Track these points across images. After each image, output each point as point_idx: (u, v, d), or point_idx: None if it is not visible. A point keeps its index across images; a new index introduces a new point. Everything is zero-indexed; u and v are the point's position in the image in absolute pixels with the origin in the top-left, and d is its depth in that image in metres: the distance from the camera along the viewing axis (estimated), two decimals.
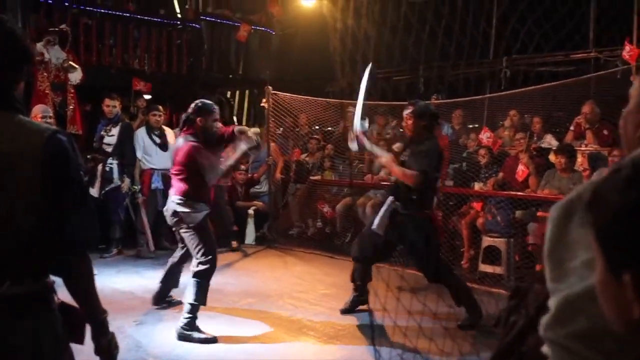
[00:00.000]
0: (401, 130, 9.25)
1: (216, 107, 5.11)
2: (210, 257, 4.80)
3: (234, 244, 8.35)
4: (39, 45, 8.19)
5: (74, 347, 1.95)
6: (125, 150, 7.63)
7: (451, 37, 2.91)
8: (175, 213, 4.86)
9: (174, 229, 5.12)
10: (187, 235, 4.89)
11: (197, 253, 4.80)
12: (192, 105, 5.03)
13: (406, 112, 5.10)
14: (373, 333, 1.75)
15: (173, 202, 4.88)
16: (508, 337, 1.36)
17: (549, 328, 1.02)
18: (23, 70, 1.82)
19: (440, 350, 2.80)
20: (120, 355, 4.36)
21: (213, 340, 4.70)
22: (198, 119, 4.90)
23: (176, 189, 4.89)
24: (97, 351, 1.96)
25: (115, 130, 7.63)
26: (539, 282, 1.20)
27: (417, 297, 3.23)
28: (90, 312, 1.94)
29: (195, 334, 4.71)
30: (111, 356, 1.98)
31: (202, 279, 4.79)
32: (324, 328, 5.15)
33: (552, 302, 1.03)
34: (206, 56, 11.61)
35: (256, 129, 5.74)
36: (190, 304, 4.74)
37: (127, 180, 7.60)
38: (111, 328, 4.41)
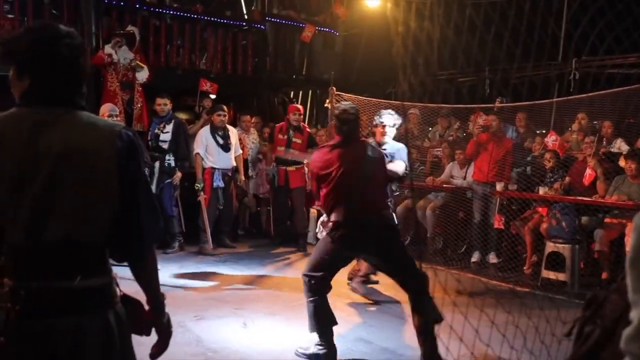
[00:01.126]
0: (465, 133, 9.14)
1: None
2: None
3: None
4: (108, 47, 8.48)
5: (139, 340, 2.04)
6: (179, 146, 7.82)
7: (518, 38, 2.86)
8: None
9: None
10: None
11: None
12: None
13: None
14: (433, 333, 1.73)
15: None
16: (582, 348, 1.32)
17: (632, 341, 0.98)
18: (86, 72, 1.96)
19: (497, 356, 2.75)
20: (180, 348, 4.51)
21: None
22: None
23: None
24: (157, 329, 2.08)
25: (169, 127, 7.82)
26: (617, 293, 1.16)
27: (474, 302, 3.19)
28: (153, 296, 2.06)
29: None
30: (168, 333, 2.10)
31: None
32: (380, 329, 5.14)
33: (634, 315, 0.99)
34: (271, 57, 11.73)
35: None
36: None
37: (178, 174, 7.79)
38: (172, 322, 4.52)
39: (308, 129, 9.02)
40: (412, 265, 4.19)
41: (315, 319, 4.30)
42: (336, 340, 4.76)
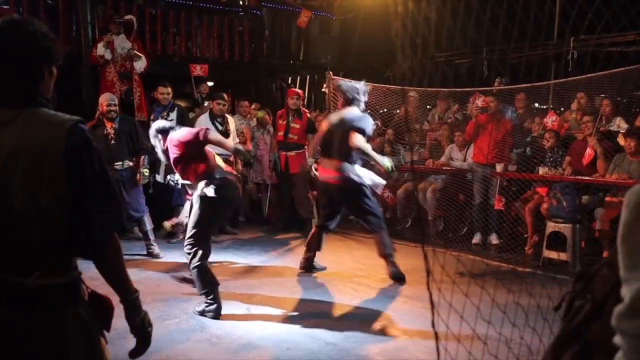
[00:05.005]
0: (464, 114, 9.12)
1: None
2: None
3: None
4: (100, 47, 8.41)
5: (121, 334, 2.02)
6: None
7: (514, 18, 2.84)
8: None
9: None
10: None
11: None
12: None
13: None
14: (433, 319, 1.75)
15: None
16: (572, 322, 1.33)
17: (623, 318, 0.98)
18: (43, 69, 1.89)
19: (499, 334, 2.77)
20: (185, 335, 4.54)
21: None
22: None
23: None
24: (131, 329, 2.03)
25: (173, 115, 7.82)
26: (608, 267, 1.16)
27: (474, 282, 3.21)
28: (121, 293, 2.01)
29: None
30: (145, 333, 2.05)
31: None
32: (384, 312, 5.18)
33: (626, 291, 0.99)
34: (267, 42, 11.70)
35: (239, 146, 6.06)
36: None
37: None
38: (176, 310, 4.52)
39: (308, 114, 9.00)
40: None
41: (203, 282, 4.95)
42: (340, 323, 4.81)
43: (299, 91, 9.27)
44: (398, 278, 6.01)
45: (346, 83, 6.33)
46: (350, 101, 6.06)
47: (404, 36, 2.01)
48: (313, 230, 6.56)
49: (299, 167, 8.55)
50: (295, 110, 8.59)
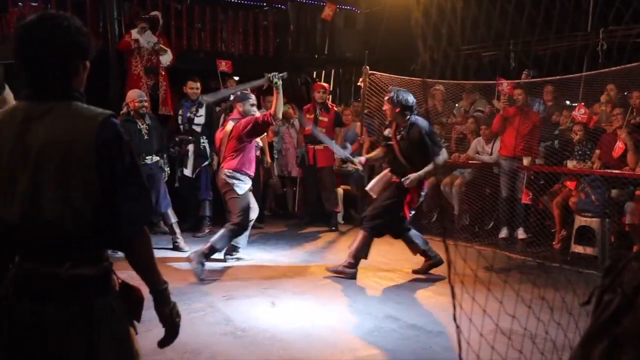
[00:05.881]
0: (491, 107, 9.00)
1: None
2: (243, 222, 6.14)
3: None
4: (134, 32, 8.52)
5: (147, 325, 2.04)
6: (212, 129, 7.88)
7: (539, 8, 2.80)
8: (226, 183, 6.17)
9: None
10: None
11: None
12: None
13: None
14: (455, 312, 1.73)
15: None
16: (601, 317, 1.30)
17: None
18: (77, 64, 1.90)
19: (523, 328, 2.74)
20: (210, 328, 4.58)
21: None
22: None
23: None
24: (160, 319, 2.05)
25: (202, 111, 7.89)
26: (636, 260, 1.13)
27: (498, 276, 3.17)
28: (151, 284, 2.03)
29: (200, 267, 5.83)
30: (173, 324, 2.07)
31: (232, 233, 6.08)
32: (408, 307, 5.16)
33: None
34: (292, 37, 11.68)
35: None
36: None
37: (216, 158, 7.85)
38: (202, 303, 4.57)
39: (335, 108, 8.96)
40: None
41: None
42: (364, 317, 4.80)
43: (325, 85, 9.23)
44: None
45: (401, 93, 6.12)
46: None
47: (425, 26, 1.99)
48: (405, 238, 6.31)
49: (326, 160, 8.52)
50: (322, 104, 8.57)
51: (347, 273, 5.96)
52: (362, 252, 6.02)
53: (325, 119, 8.50)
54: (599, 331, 1.29)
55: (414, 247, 6.18)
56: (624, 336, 1.22)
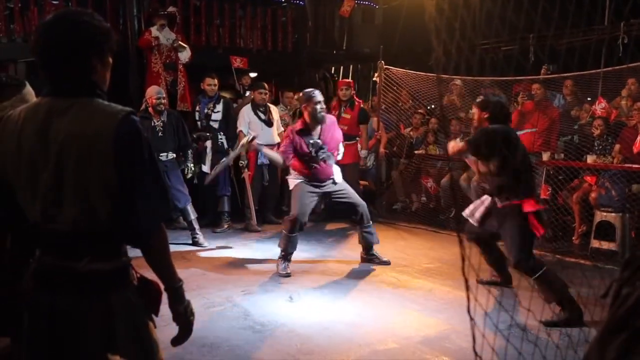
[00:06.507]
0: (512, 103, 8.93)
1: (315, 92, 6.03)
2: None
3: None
4: (154, 29, 8.60)
5: (165, 320, 2.07)
6: (229, 125, 7.93)
7: (557, 2, 2.78)
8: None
9: None
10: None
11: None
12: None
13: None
14: (469, 305, 1.74)
15: None
16: (620, 310, 1.30)
17: None
18: (93, 61, 1.91)
19: (539, 322, 2.73)
20: (229, 322, 4.62)
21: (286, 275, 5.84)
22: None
23: None
24: (174, 317, 2.06)
25: (219, 107, 7.93)
26: None
27: (514, 271, 3.16)
28: (166, 281, 2.04)
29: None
30: (187, 322, 2.08)
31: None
32: (426, 302, 5.16)
33: None
34: (310, 33, 11.69)
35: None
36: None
37: (232, 153, 7.88)
38: (221, 298, 4.62)
39: (361, 104, 8.80)
40: None
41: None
42: (381, 312, 4.80)
43: (349, 81, 9.18)
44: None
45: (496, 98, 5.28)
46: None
47: (439, 20, 1.99)
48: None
49: (351, 157, 8.46)
50: (347, 101, 8.51)
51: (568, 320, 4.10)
52: (555, 294, 4.30)
53: (348, 116, 8.40)
54: (617, 325, 1.28)
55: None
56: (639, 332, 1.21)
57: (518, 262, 4.55)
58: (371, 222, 6.33)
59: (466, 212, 5.18)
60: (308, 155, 5.99)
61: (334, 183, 6.17)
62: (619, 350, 1.25)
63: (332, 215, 8.74)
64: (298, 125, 6.13)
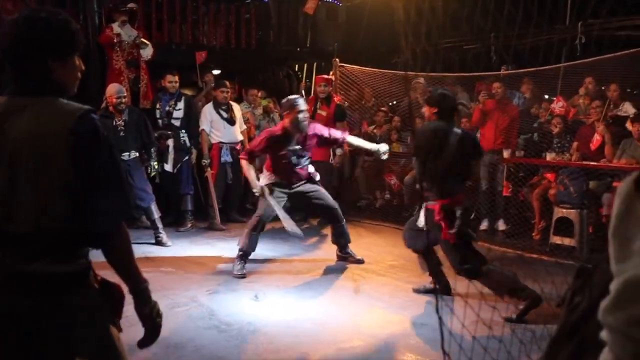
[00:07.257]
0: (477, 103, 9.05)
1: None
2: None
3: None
4: (115, 26, 8.44)
5: (131, 322, 2.05)
6: (191, 123, 7.85)
7: (518, 3, 2.84)
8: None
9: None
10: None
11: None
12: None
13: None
14: (437, 303, 1.76)
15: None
16: (569, 319, 1.31)
17: (608, 312, 0.94)
18: (47, 62, 1.88)
19: (503, 319, 2.78)
20: (194, 322, 4.58)
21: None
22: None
23: None
24: (141, 319, 2.02)
25: (180, 105, 7.83)
26: (607, 262, 1.13)
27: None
28: (131, 282, 2.00)
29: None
30: (154, 324, 2.04)
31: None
32: (391, 299, 5.20)
33: (613, 285, 0.96)
34: (274, 30, 11.66)
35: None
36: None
37: (195, 152, 7.83)
38: (185, 297, 4.58)
39: (338, 101, 8.68)
40: None
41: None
42: (347, 310, 4.82)
43: (329, 77, 8.89)
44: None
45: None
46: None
47: (406, 22, 2.01)
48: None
49: (321, 156, 8.35)
50: (324, 98, 8.41)
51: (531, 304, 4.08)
52: (504, 287, 4.24)
53: (324, 113, 8.29)
54: (567, 333, 1.30)
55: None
56: (588, 339, 1.23)
57: (458, 272, 4.50)
58: (344, 221, 6.35)
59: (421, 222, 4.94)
60: (286, 160, 5.96)
61: (309, 183, 6.18)
62: (569, 358, 1.26)
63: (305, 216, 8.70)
64: (278, 129, 6.05)
